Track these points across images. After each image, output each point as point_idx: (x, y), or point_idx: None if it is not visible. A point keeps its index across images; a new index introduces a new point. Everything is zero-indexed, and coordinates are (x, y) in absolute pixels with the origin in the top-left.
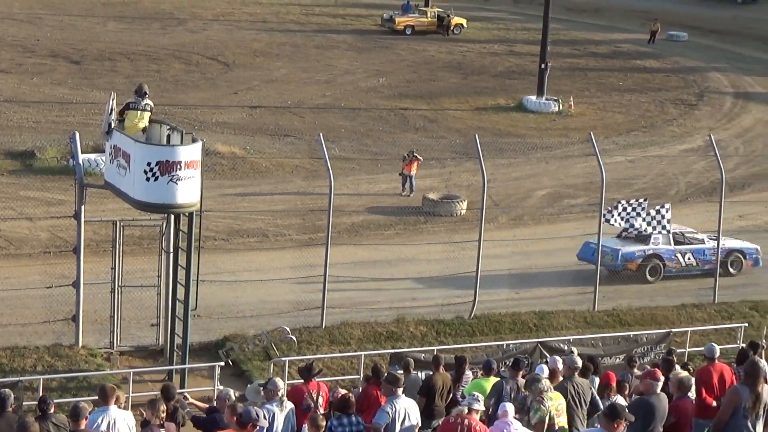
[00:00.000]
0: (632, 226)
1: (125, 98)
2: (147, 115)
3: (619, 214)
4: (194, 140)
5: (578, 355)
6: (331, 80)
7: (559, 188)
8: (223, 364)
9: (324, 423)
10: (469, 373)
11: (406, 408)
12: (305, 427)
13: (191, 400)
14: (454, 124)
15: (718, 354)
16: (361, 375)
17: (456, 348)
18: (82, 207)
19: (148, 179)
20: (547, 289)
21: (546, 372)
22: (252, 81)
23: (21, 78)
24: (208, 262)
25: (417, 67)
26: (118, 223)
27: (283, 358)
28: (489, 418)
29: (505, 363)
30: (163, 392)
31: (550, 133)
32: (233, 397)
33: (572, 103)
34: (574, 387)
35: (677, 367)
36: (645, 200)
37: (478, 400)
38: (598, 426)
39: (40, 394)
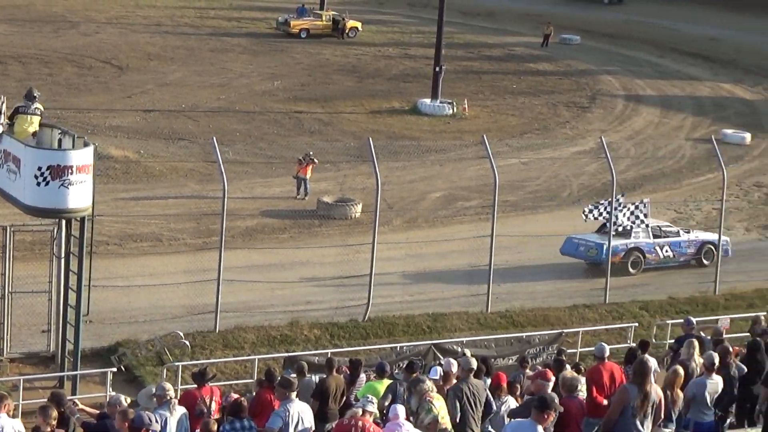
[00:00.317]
0: (616, 219)
1: (16, 102)
2: (37, 119)
3: (599, 213)
4: (86, 144)
5: (471, 356)
6: (226, 83)
7: (453, 191)
8: (115, 369)
9: (216, 428)
10: (362, 376)
11: (300, 412)
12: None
13: (81, 407)
14: (349, 127)
15: (608, 354)
16: (255, 379)
17: (350, 351)
18: None
19: (38, 184)
20: (441, 291)
21: (440, 374)
22: (146, 84)
23: None
24: (101, 267)
25: (312, 70)
26: (8, 228)
27: (177, 363)
28: (383, 420)
29: (399, 365)
30: (53, 399)
31: (445, 136)
32: (124, 403)
33: (466, 106)
34: (469, 388)
35: (568, 367)
36: (623, 195)
37: (372, 402)
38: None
39: None
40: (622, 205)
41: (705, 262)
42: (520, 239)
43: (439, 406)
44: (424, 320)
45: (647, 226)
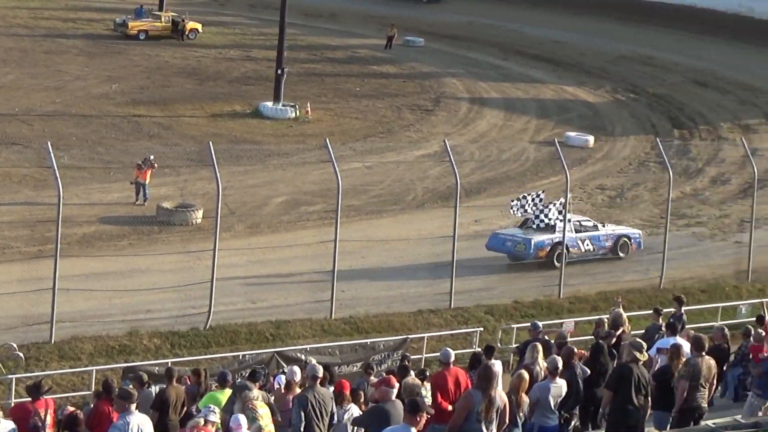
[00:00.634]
0: (545, 216)
1: None
2: None
3: (528, 206)
4: None
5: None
6: (62, 86)
7: (296, 195)
8: None
9: None
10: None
11: (139, 424)
12: None
13: None
14: (189, 131)
15: (453, 359)
16: (92, 391)
17: (191, 360)
18: None
19: None
20: (284, 298)
21: (284, 382)
22: None
23: None
24: None
25: (151, 72)
26: None
27: (10, 376)
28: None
29: (241, 374)
30: None
31: (287, 140)
32: None
33: (309, 109)
34: (315, 397)
35: (412, 373)
36: (542, 192)
37: (214, 412)
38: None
39: None
40: (541, 201)
41: (620, 254)
42: (365, 244)
43: (263, 413)
44: (267, 328)
45: (570, 221)
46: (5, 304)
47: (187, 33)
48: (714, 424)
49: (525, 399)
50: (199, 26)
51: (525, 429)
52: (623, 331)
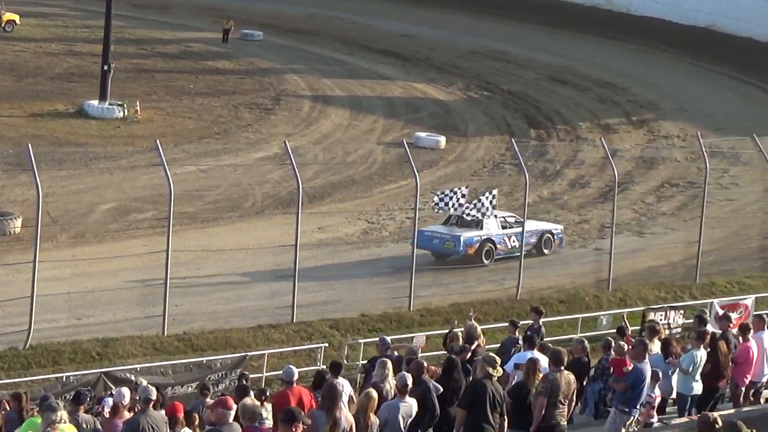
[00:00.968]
0: (477, 209)
1: None
2: None
3: (451, 203)
4: None
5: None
6: None
7: (125, 202)
8: None
9: None
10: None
11: None
12: None
13: None
14: (7, 132)
15: (296, 377)
16: None
17: (10, 383)
18: None
19: None
20: (112, 314)
21: (109, 406)
22: None
23: None
24: None
25: None
26: None
27: None
28: None
29: (65, 397)
30: None
31: (115, 142)
32: None
33: (139, 108)
34: (148, 422)
35: (252, 393)
36: (466, 188)
37: None
38: None
39: None
40: (464, 196)
41: (545, 251)
42: (200, 254)
43: None
44: (93, 346)
45: (497, 217)
46: None
47: (3, 25)
48: None
49: (374, 419)
50: (16, 17)
51: None
52: (478, 345)
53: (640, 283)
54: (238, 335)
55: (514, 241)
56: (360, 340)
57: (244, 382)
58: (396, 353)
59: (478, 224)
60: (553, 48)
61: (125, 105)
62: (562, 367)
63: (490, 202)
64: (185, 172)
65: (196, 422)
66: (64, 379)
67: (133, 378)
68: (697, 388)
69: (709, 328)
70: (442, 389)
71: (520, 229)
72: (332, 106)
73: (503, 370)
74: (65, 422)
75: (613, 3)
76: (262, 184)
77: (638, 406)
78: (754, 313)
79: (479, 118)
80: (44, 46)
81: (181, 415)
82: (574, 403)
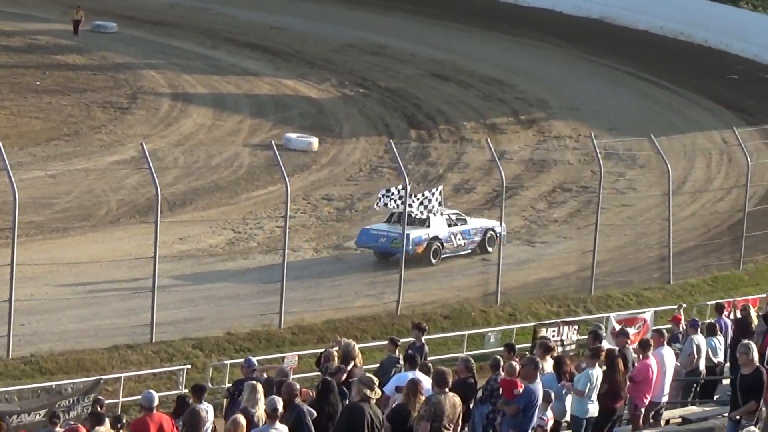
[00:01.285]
0: (424, 206)
1: None
2: None
3: (391, 200)
4: None
5: None
6: None
7: None
8: None
9: None
10: None
11: None
12: None
13: None
14: None
15: (156, 402)
16: None
17: None
18: None
19: None
20: None
21: None
22: None
23: None
24: None
25: None
26: None
27: None
28: None
29: None
30: None
31: None
32: None
33: None
34: None
35: (107, 420)
36: (409, 183)
37: None
38: None
39: None
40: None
41: (489, 248)
42: (48, 268)
43: None
44: None
45: (443, 214)
46: None
47: None
48: None
49: None
50: None
51: None
52: (354, 365)
53: (530, 297)
54: (91, 357)
55: (460, 239)
56: (226, 361)
57: (99, 408)
58: (265, 375)
59: (424, 222)
60: (435, 41)
61: None
62: (447, 389)
63: (437, 199)
64: (32, 177)
65: None
66: None
67: None
68: (593, 410)
69: (606, 344)
70: (316, 414)
71: (465, 227)
72: (194, 105)
73: (382, 392)
74: None
75: None
76: (117, 190)
77: (530, 430)
78: (654, 327)
79: (355, 117)
80: None
81: None
82: (459, 428)
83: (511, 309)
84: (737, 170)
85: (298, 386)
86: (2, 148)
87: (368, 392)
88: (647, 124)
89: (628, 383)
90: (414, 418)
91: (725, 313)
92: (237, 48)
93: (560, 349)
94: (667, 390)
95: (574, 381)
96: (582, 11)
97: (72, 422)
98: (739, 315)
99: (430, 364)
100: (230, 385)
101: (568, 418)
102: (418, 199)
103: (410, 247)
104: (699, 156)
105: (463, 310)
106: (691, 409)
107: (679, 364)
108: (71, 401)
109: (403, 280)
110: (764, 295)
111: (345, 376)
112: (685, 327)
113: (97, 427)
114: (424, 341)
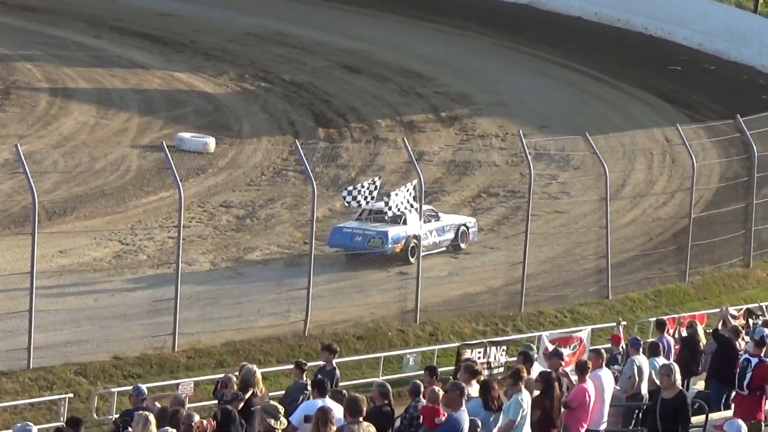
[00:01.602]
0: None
1: None
2: None
3: (361, 196)
4: None
5: None
6: None
7: None
8: None
9: None
10: None
11: None
12: None
13: None
14: None
15: None
16: None
17: None
18: None
19: None
20: None
21: None
22: None
23: None
24: None
25: None
26: None
27: None
28: None
29: None
30: None
31: None
32: None
33: None
34: None
35: None
36: (379, 179)
37: None
38: None
39: None
40: (376, 189)
41: (462, 245)
42: None
43: None
44: None
45: (417, 211)
46: None
47: None
48: None
49: None
50: None
51: None
52: (254, 393)
53: (453, 314)
54: None
55: (435, 236)
56: (113, 389)
57: None
58: (158, 404)
59: (399, 219)
60: (346, 29)
61: None
62: (361, 418)
63: (411, 195)
64: None
65: None
66: None
67: None
68: None
69: (537, 366)
70: None
71: (439, 224)
72: (75, 101)
73: (288, 422)
74: None
75: None
76: None
77: None
78: (591, 347)
79: (256, 115)
80: None
81: None
82: None
83: (432, 328)
84: (681, 172)
85: (197, 416)
86: None
87: (273, 422)
88: (582, 121)
89: (562, 410)
90: None
91: (668, 330)
92: (123, 37)
93: (487, 372)
94: (605, 417)
95: (503, 409)
96: None
97: None
98: (685, 333)
99: (342, 391)
100: (117, 416)
101: None
102: (394, 195)
103: (389, 246)
104: (639, 156)
105: (379, 330)
106: None
107: (618, 387)
108: None
109: (312, 296)
110: (713, 310)
111: (242, 404)
112: (625, 347)
113: None
114: (335, 365)
